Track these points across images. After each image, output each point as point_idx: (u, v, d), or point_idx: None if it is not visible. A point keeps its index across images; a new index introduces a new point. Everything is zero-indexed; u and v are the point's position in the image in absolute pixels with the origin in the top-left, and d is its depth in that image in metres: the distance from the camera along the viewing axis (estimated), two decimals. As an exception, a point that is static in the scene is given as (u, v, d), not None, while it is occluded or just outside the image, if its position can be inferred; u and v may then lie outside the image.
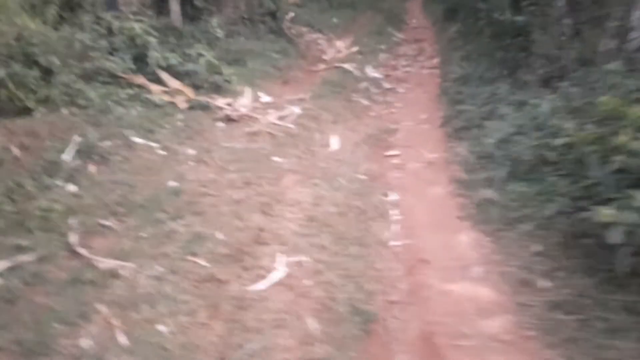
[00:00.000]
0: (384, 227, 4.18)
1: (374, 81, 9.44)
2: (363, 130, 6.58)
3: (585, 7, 6.50)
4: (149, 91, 6.34)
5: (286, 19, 11.35)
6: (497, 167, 4.81)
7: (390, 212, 4.47)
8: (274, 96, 7.71)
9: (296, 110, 6.67)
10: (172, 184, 4.54)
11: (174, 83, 6.58)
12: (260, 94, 7.64)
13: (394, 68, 11.01)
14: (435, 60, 11.50)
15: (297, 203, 4.36)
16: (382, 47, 12.85)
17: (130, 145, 5.18)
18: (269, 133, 5.94)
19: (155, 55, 6.46)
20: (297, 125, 6.27)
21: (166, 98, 6.34)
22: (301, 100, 7.45)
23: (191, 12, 9.34)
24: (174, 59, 6.63)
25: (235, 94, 7.20)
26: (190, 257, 3.47)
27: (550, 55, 6.59)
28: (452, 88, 7.80)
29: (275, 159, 5.30)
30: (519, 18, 7.35)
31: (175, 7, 9.24)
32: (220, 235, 3.75)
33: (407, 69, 10.97)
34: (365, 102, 7.99)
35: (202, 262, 3.44)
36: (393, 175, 5.38)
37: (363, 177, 5.13)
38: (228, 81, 7.14)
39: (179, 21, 9.26)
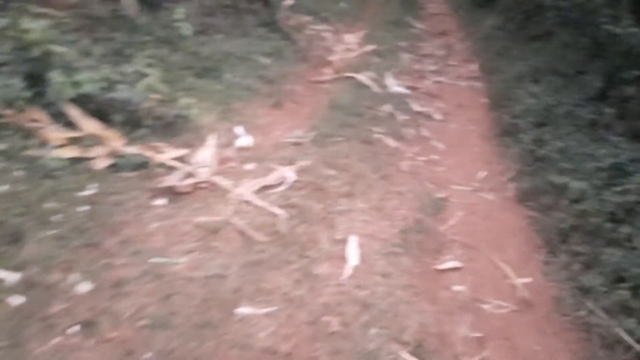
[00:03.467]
0: None
1: (399, 100, 6.86)
2: (395, 210, 4.06)
3: None
4: (44, 140, 3.79)
5: (283, 7, 8.67)
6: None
7: None
8: (259, 134, 5.15)
9: (290, 175, 4.12)
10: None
11: (90, 124, 4.02)
12: (237, 130, 5.08)
13: (421, 76, 8.41)
14: (473, 67, 8.89)
15: None
16: (402, 43, 10.20)
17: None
18: (240, 232, 3.42)
19: (58, 77, 3.87)
20: (290, 209, 3.73)
21: (71, 153, 3.79)
22: (298, 144, 4.90)
23: (150, -2, 6.71)
24: (91, 83, 4.03)
25: (196, 135, 4.65)
26: None
27: None
28: (523, 129, 5.24)
29: (244, 310, 2.79)
30: None
31: (127, -12, 6.60)
32: None
33: (438, 77, 8.37)
34: (391, 142, 5.43)
35: None
36: (460, 333, 2.90)
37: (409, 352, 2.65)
38: (185, 116, 4.56)
39: (133, 10, 6.63)
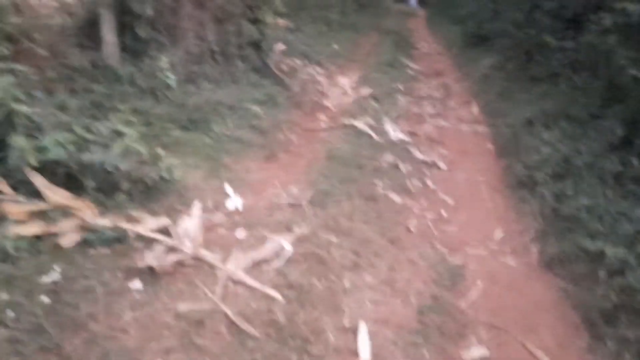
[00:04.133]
0: None
1: (401, 148, 6.43)
2: (408, 283, 3.55)
3: None
4: (2, 215, 3.28)
5: (274, 51, 8.32)
6: None
7: None
8: (251, 192, 4.68)
9: (286, 245, 3.61)
10: None
11: (57, 193, 3.52)
12: (227, 189, 4.60)
13: (421, 120, 8.01)
14: (474, 110, 8.53)
15: None
16: (398, 85, 9.87)
17: None
18: (230, 323, 2.89)
19: (20, 142, 3.39)
20: (288, 290, 3.21)
21: (33, 229, 3.28)
22: (295, 206, 4.41)
23: (133, 45, 6.31)
24: (59, 147, 3.55)
25: (181, 199, 4.16)
26: None
27: None
28: (540, 182, 4.77)
29: None
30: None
31: (110, 37, 6.21)
32: None
33: (439, 121, 7.96)
34: (397, 197, 4.96)
35: None
36: None
37: None
38: (166, 178, 4.08)
39: (115, 59, 6.22)
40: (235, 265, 3.36)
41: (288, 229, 3.92)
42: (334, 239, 3.88)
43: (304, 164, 5.58)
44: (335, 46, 12.24)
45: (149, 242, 3.53)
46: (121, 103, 5.23)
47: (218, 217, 4.13)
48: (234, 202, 4.40)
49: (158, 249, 3.43)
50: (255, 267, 3.43)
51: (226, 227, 4.01)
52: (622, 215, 3.77)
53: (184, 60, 6.46)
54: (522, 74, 8.38)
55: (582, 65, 6.04)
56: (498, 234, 4.46)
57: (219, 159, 5.20)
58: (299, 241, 3.72)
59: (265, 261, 3.47)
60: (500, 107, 7.85)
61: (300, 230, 3.86)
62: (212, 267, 3.38)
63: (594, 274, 3.42)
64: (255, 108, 6.55)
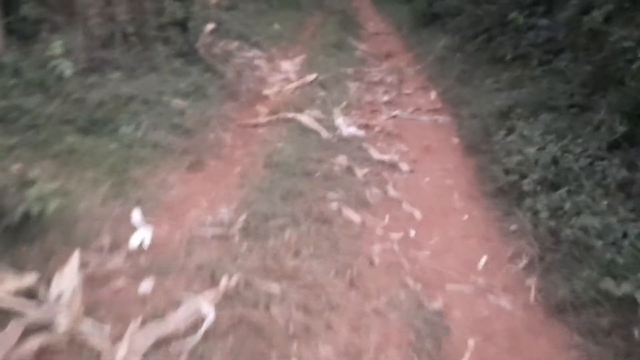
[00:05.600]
0: None
1: (355, 146, 5.46)
2: (378, 352, 2.59)
3: None
4: None
5: (204, 32, 7.12)
6: None
7: None
8: (167, 218, 3.60)
9: (206, 311, 2.56)
10: None
11: None
12: (135, 216, 3.49)
13: (375, 110, 7.07)
14: (433, 96, 7.66)
15: None
16: (347, 69, 8.88)
17: None
18: None
19: None
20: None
21: None
22: (223, 238, 3.35)
23: (20, 28, 5.00)
24: None
25: (63, 240, 3.02)
26: None
27: None
28: (529, 192, 3.89)
29: None
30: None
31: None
32: None
33: (395, 111, 7.01)
34: (354, 215, 3.97)
35: None
36: None
37: None
38: (33, 214, 2.90)
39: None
40: (130, 349, 2.29)
41: (212, 278, 2.86)
42: (275, 288, 2.86)
43: (238, 172, 4.51)
44: (277, 26, 11.09)
45: (5, 315, 2.40)
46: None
47: (117, 262, 3.03)
48: (141, 235, 3.29)
49: (14, 328, 2.31)
50: (161, 347, 2.37)
51: (127, 277, 2.91)
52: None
53: (85, 45, 5.20)
54: (483, 56, 7.55)
55: (561, 46, 5.21)
56: (482, 261, 3.57)
57: (127, 172, 4.06)
58: (225, 300, 2.67)
59: (175, 337, 2.41)
60: (461, 93, 7.00)
61: (228, 280, 2.81)
62: (96, 354, 2.29)
63: (624, 329, 2.56)
64: (179, 101, 5.39)
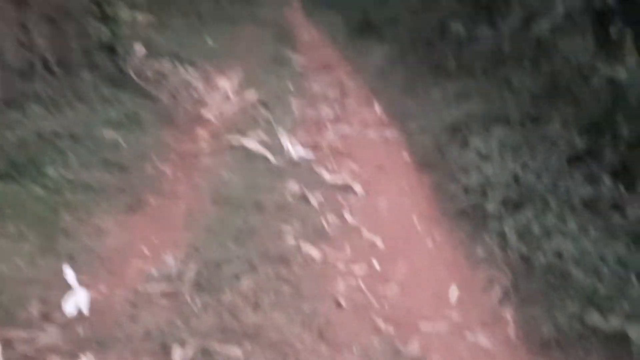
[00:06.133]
0: None
1: (305, 169, 5.20)
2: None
3: None
4: None
5: (134, 55, 6.65)
6: None
7: None
8: (104, 274, 3.18)
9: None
10: None
11: None
12: (68, 274, 3.06)
13: (320, 127, 6.82)
14: (378, 109, 7.49)
15: None
16: (288, 84, 8.61)
17: None
18: None
19: None
20: None
21: None
22: (171, 296, 2.98)
23: None
24: None
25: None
26: None
27: None
28: (493, 214, 3.74)
29: None
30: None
31: None
32: None
33: (341, 127, 6.81)
34: (313, 251, 3.69)
35: None
36: None
37: None
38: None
39: None
40: None
41: (163, 348, 2.50)
42: (236, 352, 2.53)
43: (183, 211, 4.13)
44: (210, 42, 10.68)
45: None
46: None
47: (49, 336, 2.60)
48: (77, 299, 2.87)
49: None
50: None
51: (62, 355, 2.49)
52: (623, 265, 2.80)
53: (1, 79, 4.66)
54: (425, 66, 7.48)
55: (505, 56, 5.15)
56: (453, 292, 3.36)
57: (57, 221, 3.60)
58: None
59: None
60: (407, 105, 6.88)
61: (181, 349, 2.45)
62: None
63: (617, 368, 2.40)
64: (110, 133, 4.94)
